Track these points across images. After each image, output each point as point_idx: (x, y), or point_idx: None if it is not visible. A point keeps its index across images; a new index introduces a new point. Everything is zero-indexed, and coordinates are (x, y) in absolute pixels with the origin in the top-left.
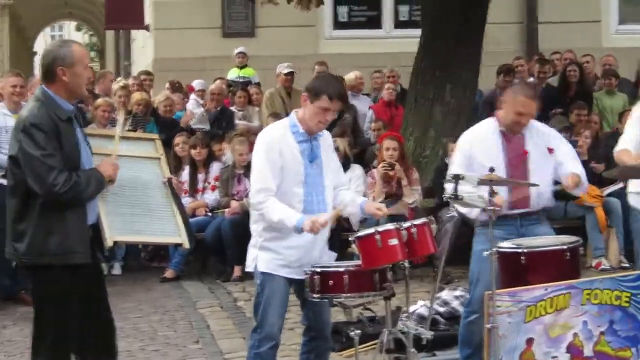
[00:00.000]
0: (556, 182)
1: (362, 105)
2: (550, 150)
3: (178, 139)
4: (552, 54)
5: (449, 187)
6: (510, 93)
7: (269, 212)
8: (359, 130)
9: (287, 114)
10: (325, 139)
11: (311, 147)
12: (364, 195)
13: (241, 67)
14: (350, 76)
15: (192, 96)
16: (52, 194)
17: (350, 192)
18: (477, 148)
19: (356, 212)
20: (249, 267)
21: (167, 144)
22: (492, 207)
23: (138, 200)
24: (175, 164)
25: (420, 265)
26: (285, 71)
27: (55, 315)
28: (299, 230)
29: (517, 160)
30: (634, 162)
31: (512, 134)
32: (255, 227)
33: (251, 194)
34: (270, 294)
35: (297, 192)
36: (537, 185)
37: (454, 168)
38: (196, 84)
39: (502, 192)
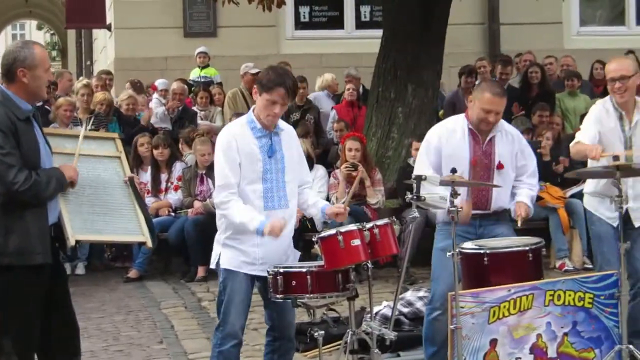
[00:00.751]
0: None
1: (325, 105)
2: (500, 167)
3: (142, 139)
4: (515, 55)
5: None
6: (477, 90)
7: (231, 214)
8: (322, 131)
9: None
10: (288, 133)
11: (270, 142)
12: (327, 198)
13: (203, 67)
14: (327, 77)
15: (155, 95)
16: (11, 192)
17: (314, 192)
18: (445, 142)
19: (317, 214)
20: (213, 264)
21: (129, 143)
22: (454, 208)
23: (99, 200)
24: (136, 164)
25: (385, 266)
26: (253, 71)
27: (16, 316)
28: (260, 233)
29: (484, 165)
30: (587, 148)
31: (480, 134)
32: (220, 224)
33: (214, 192)
34: (233, 292)
35: (256, 189)
36: (500, 186)
37: (422, 160)
38: (159, 83)
39: (462, 193)
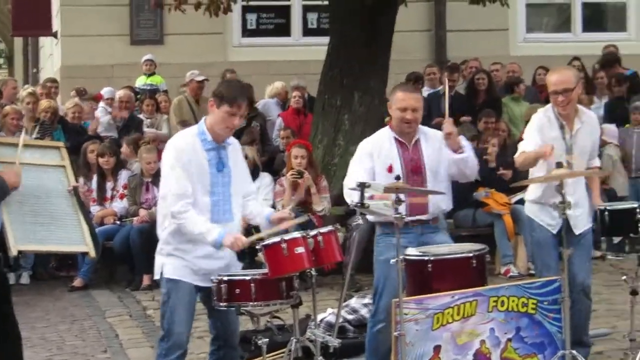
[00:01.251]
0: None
1: (274, 113)
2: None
3: (92, 147)
4: (462, 62)
5: (354, 194)
6: (391, 95)
7: (189, 224)
8: (268, 138)
9: (196, 122)
10: (234, 147)
11: (219, 155)
12: (273, 205)
13: (149, 75)
14: (277, 85)
15: (101, 104)
16: None
17: (258, 202)
18: (377, 155)
19: (263, 223)
20: (157, 275)
21: (75, 151)
22: (399, 215)
23: (42, 209)
24: (86, 172)
25: (330, 273)
26: (199, 78)
27: None
28: (219, 245)
29: (414, 168)
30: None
31: (406, 139)
32: (162, 234)
33: (169, 201)
34: (177, 302)
35: (204, 201)
36: (443, 193)
37: (355, 175)
38: (105, 91)
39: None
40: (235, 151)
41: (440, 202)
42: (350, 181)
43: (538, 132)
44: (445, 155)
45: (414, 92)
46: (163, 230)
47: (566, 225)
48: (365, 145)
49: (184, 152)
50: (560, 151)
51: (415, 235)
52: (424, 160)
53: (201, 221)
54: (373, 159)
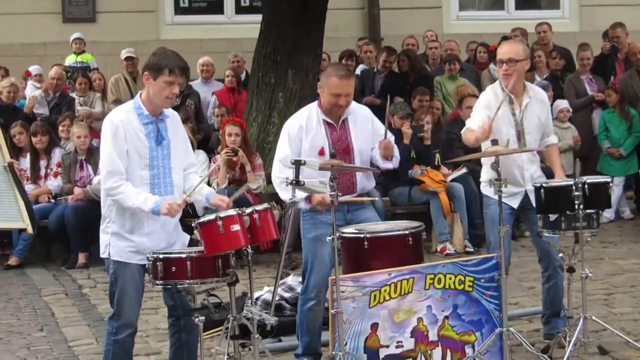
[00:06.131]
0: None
1: (207, 90)
2: (349, 150)
3: (14, 130)
4: (406, 37)
5: (289, 172)
6: (324, 76)
7: (124, 198)
8: (203, 117)
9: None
10: (173, 119)
11: (157, 128)
12: (208, 183)
13: (78, 53)
14: (200, 61)
15: (30, 81)
16: None
17: (198, 178)
18: (305, 134)
19: (202, 200)
20: (103, 254)
21: (8, 130)
22: (334, 193)
23: None
24: (15, 153)
25: (267, 251)
26: (124, 56)
27: None
28: (156, 213)
29: (342, 149)
30: (478, 135)
31: (334, 119)
32: (107, 213)
33: (102, 178)
34: (125, 283)
35: (143, 175)
36: (378, 169)
37: (283, 153)
38: (33, 69)
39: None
40: (174, 123)
41: (366, 180)
42: (280, 163)
43: (485, 109)
44: (372, 135)
45: (348, 79)
46: (107, 208)
47: (525, 201)
48: (293, 127)
49: (119, 127)
50: (510, 126)
51: (343, 213)
52: (352, 140)
53: (135, 193)
54: (302, 135)
